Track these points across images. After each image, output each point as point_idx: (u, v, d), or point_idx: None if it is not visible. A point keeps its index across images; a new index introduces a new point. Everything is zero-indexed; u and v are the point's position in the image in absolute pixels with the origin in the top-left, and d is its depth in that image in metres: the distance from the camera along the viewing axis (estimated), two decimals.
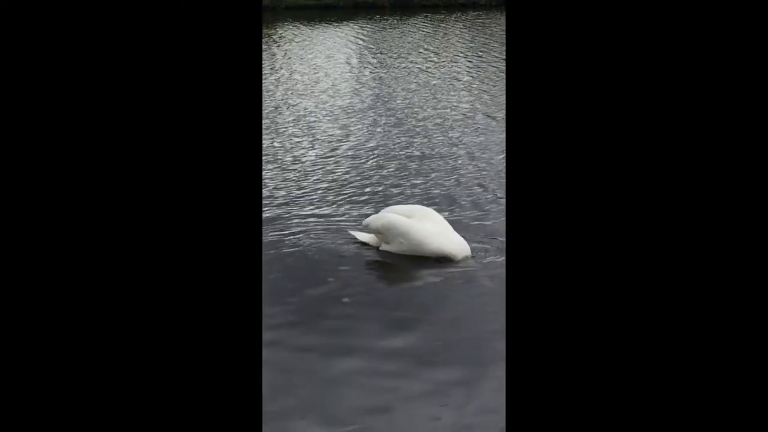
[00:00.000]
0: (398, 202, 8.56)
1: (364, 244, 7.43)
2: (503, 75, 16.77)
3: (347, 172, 10.01)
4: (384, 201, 8.76)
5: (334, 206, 8.67)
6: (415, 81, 16.62)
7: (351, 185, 9.46)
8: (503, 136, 11.77)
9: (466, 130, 12.25)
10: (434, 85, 16.11)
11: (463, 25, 26.14)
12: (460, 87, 15.84)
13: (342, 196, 9.03)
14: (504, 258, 6.84)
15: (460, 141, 11.53)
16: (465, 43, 22.05)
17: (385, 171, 10.02)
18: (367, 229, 7.41)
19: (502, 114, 13.20)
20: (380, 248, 7.30)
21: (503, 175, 9.63)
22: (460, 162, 10.37)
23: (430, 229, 7.05)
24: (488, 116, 13.14)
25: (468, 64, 18.58)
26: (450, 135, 11.95)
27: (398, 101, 14.55)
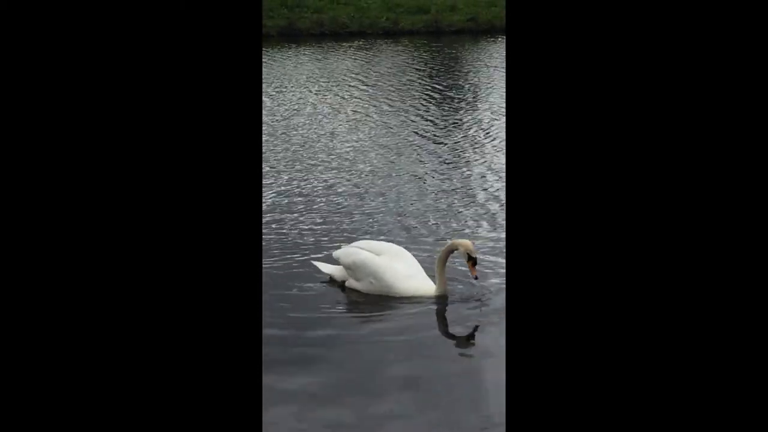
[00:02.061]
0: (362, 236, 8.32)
1: (331, 279, 7.26)
2: (418, 102, 16.83)
3: (309, 204, 9.79)
4: (346, 233, 8.56)
5: (298, 236, 8.49)
6: (321, 112, 16.41)
7: (315, 216, 9.25)
8: (447, 165, 11.76)
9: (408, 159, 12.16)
10: (351, 116, 15.96)
11: (365, 54, 26.17)
12: (380, 116, 15.72)
13: (306, 227, 8.83)
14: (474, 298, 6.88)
15: (403, 172, 11.39)
16: (363, 72, 22.03)
17: (349, 203, 9.80)
18: (336, 261, 7.22)
19: (439, 141, 13.19)
20: (346, 284, 7.16)
21: (458, 209, 9.55)
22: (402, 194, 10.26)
23: (400, 270, 6.96)
24: (430, 141, 13.14)
25: (368, 93, 18.52)
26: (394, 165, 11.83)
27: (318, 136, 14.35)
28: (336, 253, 7.26)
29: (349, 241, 7.72)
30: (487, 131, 14.12)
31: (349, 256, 7.09)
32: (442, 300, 6.84)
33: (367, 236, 8.27)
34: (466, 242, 6.69)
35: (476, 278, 6.74)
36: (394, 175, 11.21)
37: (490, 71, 21.66)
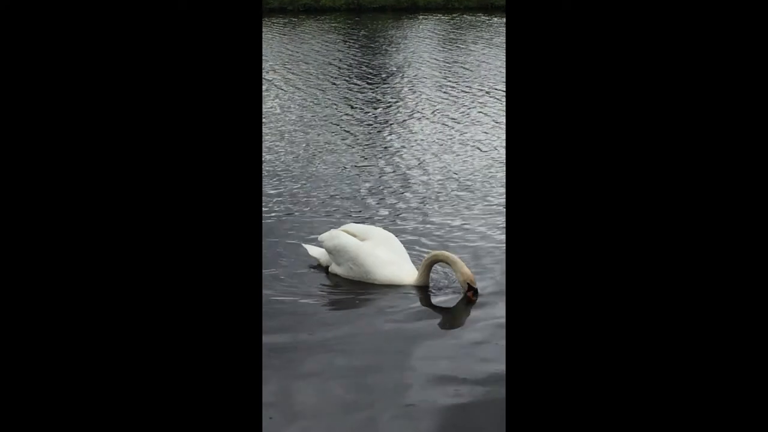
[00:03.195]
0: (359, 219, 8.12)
1: (318, 265, 7.10)
2: (348, 81, 16.48)
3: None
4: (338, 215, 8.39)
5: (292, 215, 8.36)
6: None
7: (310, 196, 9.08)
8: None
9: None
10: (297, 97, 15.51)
11: (289, 31, 25.67)
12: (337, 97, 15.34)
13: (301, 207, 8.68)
14: (449, 290, 6.66)
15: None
16: (290, 50, 21.55)
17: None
18: (321, 245, 7.05)
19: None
20: (329, 268, 6.98)
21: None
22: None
23: (381, 256, 6.76)
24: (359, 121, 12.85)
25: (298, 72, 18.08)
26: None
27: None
28: (321, 236, 7.08)
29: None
30: (419, 107, 14.20)
31: (331, 239, 6.91)
32: (421, 289, 6.62)
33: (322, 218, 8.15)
34: (467, 272, 6.30)
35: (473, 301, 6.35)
36: (329, 155, 11.02)
37: (417, 49, 21.53)
